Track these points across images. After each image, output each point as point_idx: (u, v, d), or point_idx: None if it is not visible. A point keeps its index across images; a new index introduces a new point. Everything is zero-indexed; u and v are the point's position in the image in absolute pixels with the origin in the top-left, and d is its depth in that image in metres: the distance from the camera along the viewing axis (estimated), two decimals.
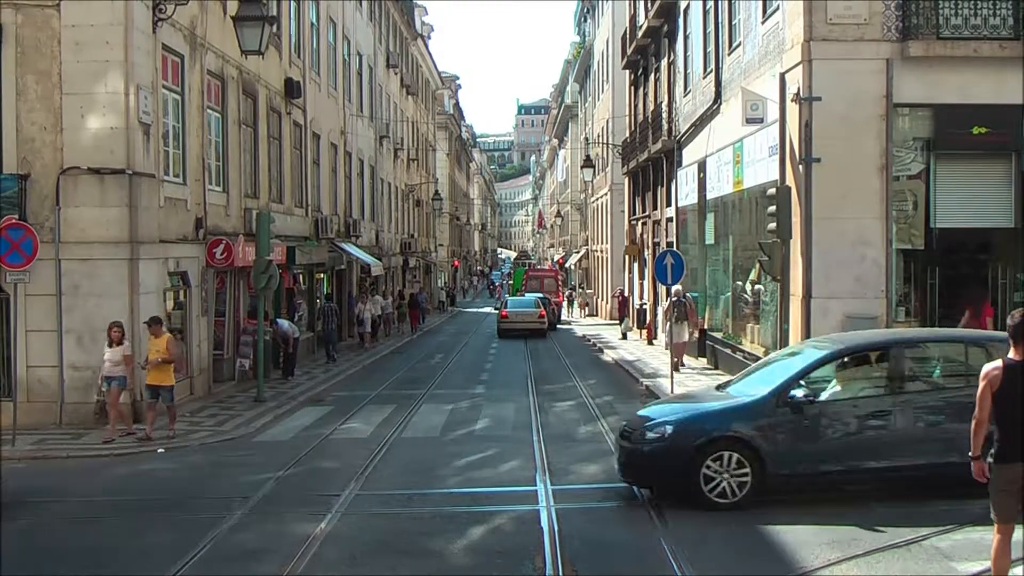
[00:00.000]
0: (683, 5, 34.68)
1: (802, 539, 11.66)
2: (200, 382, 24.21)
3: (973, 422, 9.49)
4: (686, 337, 29.52)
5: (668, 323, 28.97)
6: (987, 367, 9.48)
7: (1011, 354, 9.33)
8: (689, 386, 25.44)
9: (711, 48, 30.12)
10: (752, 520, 12.61)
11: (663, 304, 33.52)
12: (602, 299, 64.53)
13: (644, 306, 43.91)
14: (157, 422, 19.58)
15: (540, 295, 55.34)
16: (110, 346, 19.01)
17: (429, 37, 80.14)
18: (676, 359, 27.15)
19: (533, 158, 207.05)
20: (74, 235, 20.21)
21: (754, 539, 11.97)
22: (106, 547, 12.31)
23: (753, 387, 14.22)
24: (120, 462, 17.74)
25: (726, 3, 28.19)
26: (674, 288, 27.66)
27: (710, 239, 31.29)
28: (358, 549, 11.90)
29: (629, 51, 47.02)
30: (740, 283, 28.13)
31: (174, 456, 18.22)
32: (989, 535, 9.61)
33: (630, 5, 48.69)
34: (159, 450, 18.59)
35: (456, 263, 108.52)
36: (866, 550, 11.14)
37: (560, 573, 10.76)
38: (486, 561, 11.39)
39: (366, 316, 41.35)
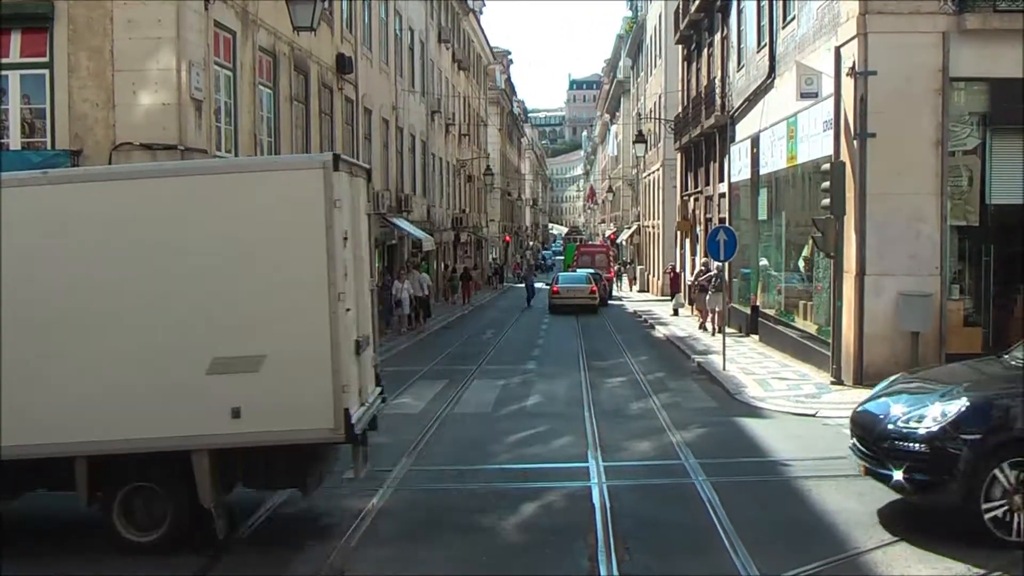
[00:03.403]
0: None
1: (855, 519, 11.56)
2: None
3: None
4: (720, 306, 31.45)
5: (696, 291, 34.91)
6: None
7: None
8: (740, 363, 25.33)
9: (765, 22, 29.81)
10: (804, 498, 12.55)
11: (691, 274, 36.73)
12: (654, 275, 64.32)
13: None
14: None
15: (592, 271, 55.24)
16: None
17: (481, 12, 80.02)
18: (714, 324, 33.37)
19: (585, 133, 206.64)
20: None
21: (809, 518, 11.86)
22: None
23: None
24: None
25: None
26: (715, 264, 31.45)
27: (763, 215, 31.03)
28: (410, 525, 11.95)
29: (682, 26, 46.68)
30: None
31: None
32: None
33: None
34: None
35: (507, 238, 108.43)
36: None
37: (612, 551, 10.72)
38: (538, 538, 11.39)
39: (404, 296, 36.41)
